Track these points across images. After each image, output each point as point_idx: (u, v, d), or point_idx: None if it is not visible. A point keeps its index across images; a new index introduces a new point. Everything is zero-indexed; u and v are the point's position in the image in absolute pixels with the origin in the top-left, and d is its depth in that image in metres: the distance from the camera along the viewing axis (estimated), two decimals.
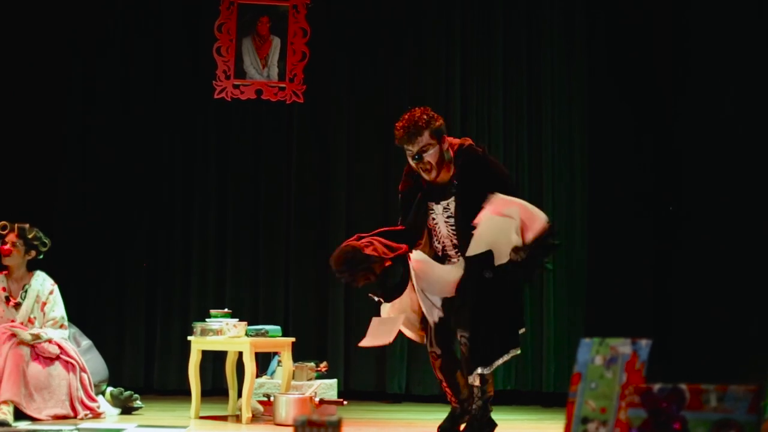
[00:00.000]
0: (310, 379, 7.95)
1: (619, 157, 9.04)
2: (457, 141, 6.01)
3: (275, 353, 8.05)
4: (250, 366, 7.07)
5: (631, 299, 8.79)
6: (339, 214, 9.08)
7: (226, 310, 7.59)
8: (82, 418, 7.04)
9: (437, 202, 5.92)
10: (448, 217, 5.87)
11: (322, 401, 7.13)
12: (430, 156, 5.82)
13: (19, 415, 6.75)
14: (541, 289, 8.87)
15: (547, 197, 8.99)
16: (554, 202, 8.99)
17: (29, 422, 6.70)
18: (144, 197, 9.10)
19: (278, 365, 7.92)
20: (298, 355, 7.97)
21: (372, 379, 8.97)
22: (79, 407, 7.11)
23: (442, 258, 5.97)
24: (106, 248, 9.02)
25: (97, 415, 7.17)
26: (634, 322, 8.54)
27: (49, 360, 7.09)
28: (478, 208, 5.63)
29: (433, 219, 5.95)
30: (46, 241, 7.49)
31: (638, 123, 9.04)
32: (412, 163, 5.89)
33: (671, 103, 8.96)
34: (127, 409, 7.43)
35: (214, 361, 8.64)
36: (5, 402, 6.66)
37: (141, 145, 9.12)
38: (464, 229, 5.72)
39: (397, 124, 5.92)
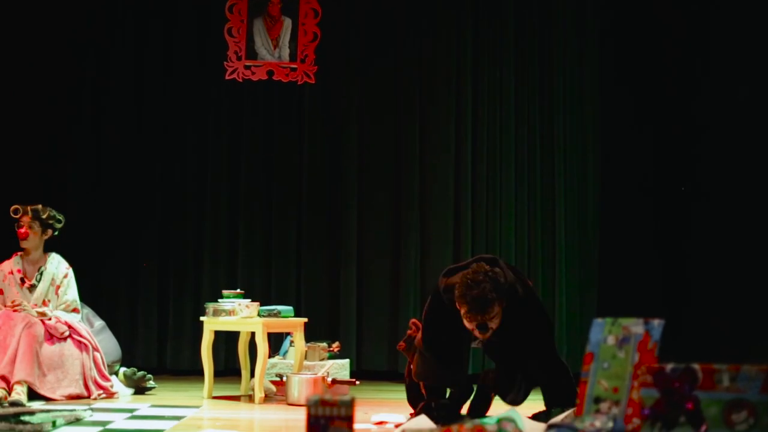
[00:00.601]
0: (323, 359, 7.97)
1: (631, 139, 9.03)
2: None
3: (287, 333, 8.06)
4: (262, 346, 7.09)
5: (644, 279, 8.79)
6: (351, 194, 9.08)
7: (238, 290, 7.60)
8: (95, 398, 7.06)
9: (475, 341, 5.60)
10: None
11: (334, 381, 7.15)
12: (495, 323, 5.34)
13: (33, 395, 6.77)
14: (553, 269, 8.87)
15: (559, 179, 9.00)
16: (566, 184, 8.99)
17: (43, 402, 6.72)
18: (156, 178, 9.12)
19: (290, 345, 7.94)
20: (311, 336, 7.99)
21: (384, 359, 8.98)
22: (92, 387, 7.14)
23: None
24: (119, 229, 9.04)
25: (110, 395, 7.20)
26: (647, 302, 8.53)
27: (61, 339, 7.12)
28: (516, 351, 5.52)
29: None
30: (60, 218, 7.50)
31: (649, 103, 9.02)
32: (468, 324, 5.34)
33: (684, 81, 8.92)
34: (140, 389, 7.46)
35: (226, 341, 8.66)
36: (19, 382, 6.69)
37: (153, 127, 9.12)
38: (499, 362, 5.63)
39: (461, 294, 5.28)
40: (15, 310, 7.14)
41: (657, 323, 3.78)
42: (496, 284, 5.25)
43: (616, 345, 3.80)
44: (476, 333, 5.36)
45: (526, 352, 5.51)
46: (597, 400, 3.77)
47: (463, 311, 5.30)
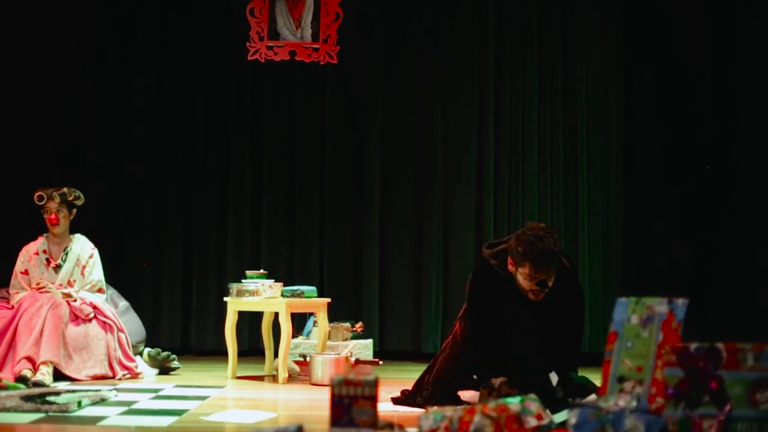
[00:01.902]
0: (346, 340, 7.99)
1: (655, 116, 8.99)
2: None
3: (311, 314, 8.07)
4: (286, 326, 7.11)
5: (667, 258, 8.76)
6: (373, 175, 9.07)
7: (261, 271, 7.62)
8: (120, 379, 7.10)
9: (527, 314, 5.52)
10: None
11: (357, 361, 7.17)
12: (551, 282, 5.34)
13: (59, 375, 6.82)
14: (576, 249, 8.85)
15: (582, 160, 8.97)
16: (589, 164, 8.97)
17: (68, 383, 6.76)
18: (179, 160, 9.13)
19: (314, 326, 7.96)
20: (334, 316, 8.01)
21: (407, 339, 9.00)
22: (117, 367, 7.18)
23: None
24: (143, 211, 9.08)
25: (135, 375, 7.24)
26: (670, 282, 8.51)
27: (86, 321, 7.16)
28: (553, 322, 5.44)
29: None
30: (80, 195, 7.52)
31: (675, 83, 8.97)
32: (527, 283, 5.33)
33: (715, 60, 8.85)
34: (164, 370, 7.50)
35: (250, 321, 8.69)
36: (45, 363, 6.73)
37: (175, 108, 9.14)
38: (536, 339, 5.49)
39: (524, 246, 5.27)
40: (40, 291, 7.19)
41: (681, 302, 3.77)
42: (555, 239, 5.31)
43: (640, 324, 3.79)
44: (532, 295, 5.36)
45: (560, 327, 5.48)
46: (621, 380, 3.76)
47: (525, 270, 5.29)
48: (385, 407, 5.54)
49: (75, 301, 7.19)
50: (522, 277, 5.33)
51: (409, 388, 5.94)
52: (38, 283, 7.28)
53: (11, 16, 8.87)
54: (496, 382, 5.34)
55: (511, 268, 5.39)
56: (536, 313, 5.47)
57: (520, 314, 5.47)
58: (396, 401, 5.84)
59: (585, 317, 5.72)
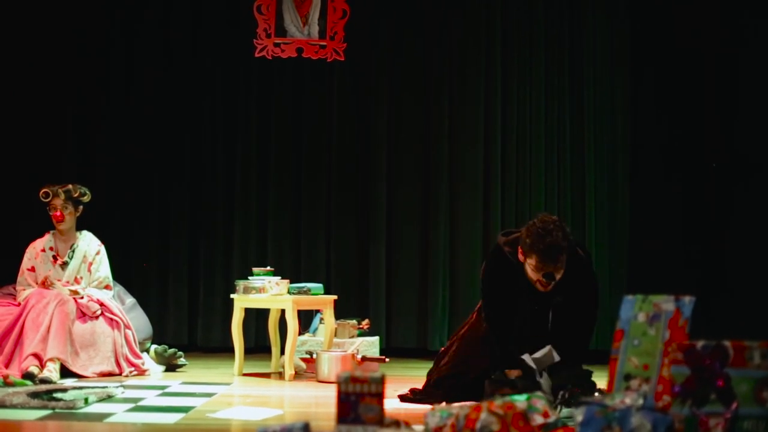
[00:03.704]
0: (352, 337, 7.99)
1: (662, 112, 8.97)
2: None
3: (317, 311, 8.08)
4: (292, 323, 7.11)
5: (674, 257, 8.75)
6: (380, 172, 9.07)
7: (268, 268, 7.63)
8: (127, 375, 7.11)
9: (538, 303, 5.54)
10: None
11: (364, 358, 7.17)
12: (559, 274, 5.37)
13: (65, 372, 6.83)
14: (583, 245, 8.82)
15: (589, 155, 8.96)
16: (596, 159, 8.96)
17: (75, 379, 6.78)
18: (186, 157, 9.13)
19: (320, 323, 7.96)
20: (340, 313, 8.01)
21: (413, 337, 8.99)
22: (124, 364, 7.19)
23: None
24: (149, 208, 9.08)
25: (141, 372, 7.25)
26: (677, 279, 8.49)
27: (93, 318, 7.17)
28: (568, 316, 5.46)
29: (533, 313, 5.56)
30: (86, 191, 7.53)
31: (684, 75, 8.95)
32: (534, 274, 5.37)
33: (722, 50, 8.82)
34: (171, 367, 7.51)
35: (256, 318, 8.69)
36: (52, 359, 6.74)
37: (182, 105, 9.13)
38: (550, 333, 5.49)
39: (532, 238, 5.31)
40: (45, 287, 7.20)
41: (688, 300, 3.76)
42: (565, 233, 5.32)
43: (647, 322, 3.79)
44: (539, 285, 5.39)
45: (570, 316, 5.47)
46: (627, 377, 3.76)
47: (532, 261, 5.32)
48: (393, 404, 5.54)
49: (82, 298, 7.20)
50: (530, 268, 5.37)
51: (419, 386, 5.96)
52: (44, 279, 7.29)
53: (19, 11, 8.86)
54: (512, 373, 5.36)
55: (521, 257, 5.42)
56: (546, 302, 5.49)
57: (528, 303, 5.49)
58: (403, 398, 5.84)
59: (598, 307, 5.70)
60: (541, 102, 9.06)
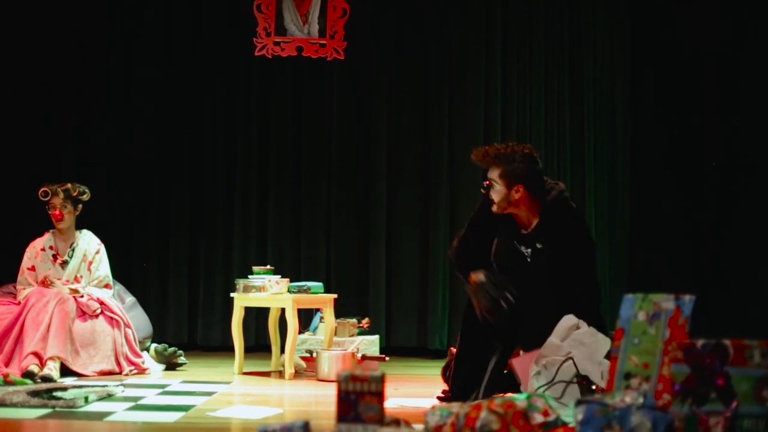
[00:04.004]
0: (352, 335, 7.99)
1: (661, 112, 8.97)
2: (550, 185, 5.63)
3: (317, 310, 8.08)
4: (292, 322, 7.11)
5: (674, 254, 8.75)
6: (380, 170, 9.07)
7: (268, 266, 7.63)
8: (127, 374, 7.11)
9: (524, 246, 5.54)
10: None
11: (364, 357, 7.17)
12: (495, 193, 5.48)
13: (65, 371, 6.83)
14: (577, 204, 8.83)
15: (589, 155, 8.96)
16: (596, 160, 8.96)
17: (75, 378, 6.78)
18: (186, 156, 9.13)
19: (320, 321, 7.96)
20: (340, 312, 8.01)
21: (414, 335, 8.99)
22: (124, 363, 7.19)
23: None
24: (149, 206, 9.08)
25: (141, 371, 7.25)
26: (677, 277, 8.49)
27: (93, 316, 7.17)
28: (556, 272, 5.38)
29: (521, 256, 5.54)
30: (86, 190, 7.52)
31: (684, 74, 8.94)
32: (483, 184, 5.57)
33: (723, 48, 8.82)
34: (171, 365, 7.50)
35: (256, 317, 8.69)
36: (52, 358, 6.74)
37: (183, 104, 9.13)
38: (536, 289, 5.41)
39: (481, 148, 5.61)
40: (45, 285, 7.20)
41: (688, 299, 3.76)
42: (510, 156, 5.46)
43: (647, 321, 3.79)
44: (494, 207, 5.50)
45: (567, 272, 5.40)
46: (627, 376, 3.76)
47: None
48: (400, 402, 5.54)
49: (82, 296, 7.20)
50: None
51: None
52: (44, 278, 7.29)
53: (20, 11, 8.86)
54: (477, 275, 5.40)
55: None
56: (532, 247, 5.49)
57: (511, 245, 5.54)
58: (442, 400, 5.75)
59: (589, 268, 5.57)
60: (541, 102, 9.06)
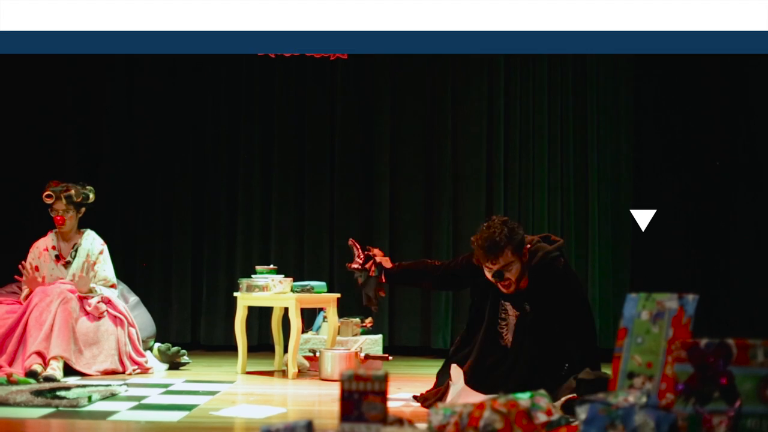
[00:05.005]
0: (355, 335, 7.99)
1: (665, 113, 8.96)
2: (534, 241, 5.53)
3: (321, 309, 8.08)
4: (295, 322, 7.11)
5: (677, 254, 8.74)
6: (383, 170, 9.07)
7: (271, 266, 7.63)
8: (130, 374, 7.11)
9: (510, 304, 5.50)
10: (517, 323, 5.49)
11: (367, 356, 7.17)
12: (512, 273, 5.34)
13: (69, 370, 6.83)
14: (586, 244, 8.83)
15: (592, 153, 8.94)
16: (599, 158, 8.94)
17: (78, 377, 6.78)
18: (189, 155, 9.15)
19: (324, 321, 7.96)
20: (343, 311, 8.01)
21: (417, 335, 8.99)
22: (127, 362, 7.19)
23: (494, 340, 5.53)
24: (153, 205, 9.09)
25: (145, 371, 7.25)
26: (680, 277, 8.48)
27: (99, 316, 7.17)
28: (549, 325, 5.36)
29: (503, 319, 5.50)
30: (89, 193, 7.50)
31: (688, 76, 8.93)
32: (489, 276, 5.39)
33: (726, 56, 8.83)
34: (174, 365, 7.51)
35: (260, 316, 8.70)
36: (55, 358, 6.74)
37: (186, 103, 9.15)
38: (529, 344, 5.38)
39: (474, 239, 5.40)
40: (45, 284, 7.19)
41: (691, 298, 3.76)
42: (510, 232, 5.31)
43: (650, 320, 3.78)
44: (502, 288, 5.37)
45: (563, 331, 5.41)
46: (630, 375, 3.76)
47: (478, 257, 5.38)
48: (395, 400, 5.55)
49: (93, 297, 7.20)
50: (485, 270, 5.40)
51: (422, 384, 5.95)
52: (43, 278, 7.26)
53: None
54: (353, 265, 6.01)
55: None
56: (519, 307, 5.45)
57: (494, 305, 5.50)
58: None
59: (586, 322, 5.52)
60: (543, 102, 9.05)
